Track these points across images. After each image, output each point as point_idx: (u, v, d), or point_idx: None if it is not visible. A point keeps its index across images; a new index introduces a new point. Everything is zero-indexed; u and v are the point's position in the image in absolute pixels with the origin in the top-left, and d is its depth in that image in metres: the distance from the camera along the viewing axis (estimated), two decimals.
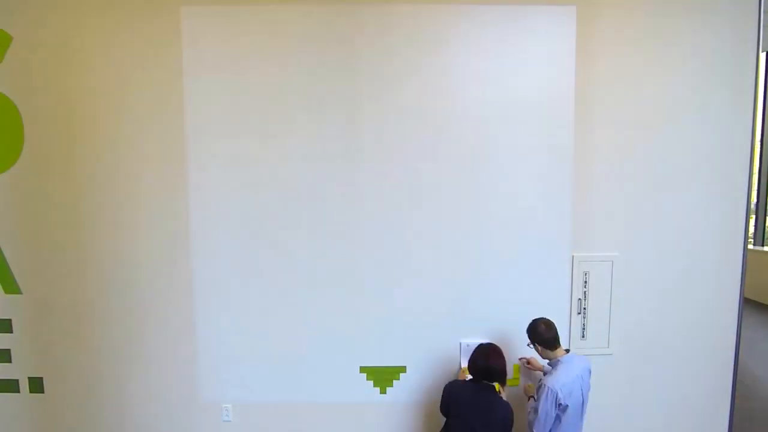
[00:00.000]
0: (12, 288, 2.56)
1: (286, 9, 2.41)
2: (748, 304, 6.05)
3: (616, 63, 2.46)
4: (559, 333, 2.18)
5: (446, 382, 2.25)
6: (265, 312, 2.56)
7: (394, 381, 2.62)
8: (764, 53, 5.28)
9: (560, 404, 2.03)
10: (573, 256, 2.54)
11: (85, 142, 2.48)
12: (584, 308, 2.58)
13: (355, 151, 2.48)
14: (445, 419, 2.20)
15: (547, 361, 2.22)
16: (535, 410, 2.08)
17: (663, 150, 2.52)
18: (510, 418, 2.05)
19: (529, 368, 2.49)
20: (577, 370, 2.11)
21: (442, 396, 2.19)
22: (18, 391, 2.63)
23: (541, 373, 2.37)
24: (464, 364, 2.48)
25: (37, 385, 2.63)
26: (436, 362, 2.59)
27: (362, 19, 2.41)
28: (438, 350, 2.58)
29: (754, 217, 6.58)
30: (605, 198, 2.53)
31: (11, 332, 2.59)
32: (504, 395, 2.15)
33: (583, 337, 2.59)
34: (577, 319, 2.58)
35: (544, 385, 2.06)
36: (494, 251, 2.53)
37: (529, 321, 2.21)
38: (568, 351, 2.18)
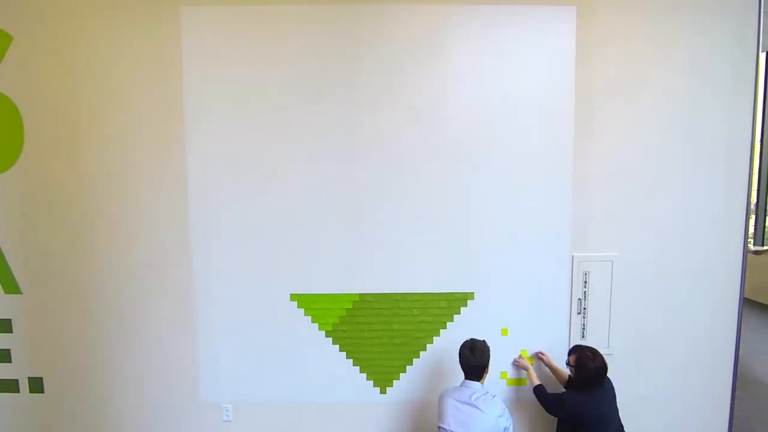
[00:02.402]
0: (12, 288, 2.56)
1: (286, 8, 2.40)
2: (748, 304, 6.05)
3: (616, 63, 2.46)
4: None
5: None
6: (267, 312, 2.56)
7: (394, 381, 2.62)
8: (764, 53, 5.27)
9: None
10: (573, 256, 2.54)
11: (84, 142, 2.48)
12: (584, 308, 2.58)
13: (354, 151, 2.48)
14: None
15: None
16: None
17: (663, 150, 2.52)
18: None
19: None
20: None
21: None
22: (18, 391, 2.63)
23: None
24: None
25: (37, 385, 2.63)
26: (436, 365, 2.60)
27: (362, 18, 2.41)
28: (438, 351, 2.59)
29: (754, 217, 6.57)
30: (605, 198, 2.53)
31: (11, 332, 2.59)
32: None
33: (583, 337, 2.59)
34: (577, 319, 2.58)
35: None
36: (494, 251, 2.52)
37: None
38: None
